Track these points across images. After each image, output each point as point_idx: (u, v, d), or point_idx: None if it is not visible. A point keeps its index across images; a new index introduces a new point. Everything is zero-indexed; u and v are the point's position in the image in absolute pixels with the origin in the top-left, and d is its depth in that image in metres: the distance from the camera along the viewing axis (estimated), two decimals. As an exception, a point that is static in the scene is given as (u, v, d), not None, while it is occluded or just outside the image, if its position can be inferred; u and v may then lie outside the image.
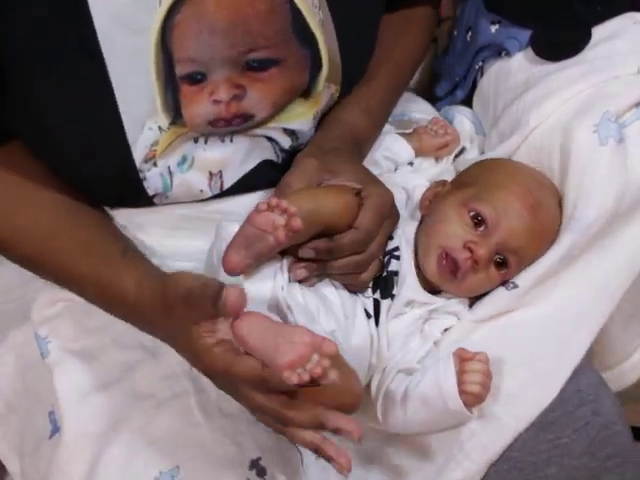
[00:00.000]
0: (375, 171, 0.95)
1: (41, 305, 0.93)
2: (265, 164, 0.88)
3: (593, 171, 0.86)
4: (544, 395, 0.82)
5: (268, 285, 0.78)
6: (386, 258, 0.86)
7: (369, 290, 0.85)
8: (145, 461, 0.78)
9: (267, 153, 0.88)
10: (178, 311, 0.72)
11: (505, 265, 0.86)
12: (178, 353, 0.77)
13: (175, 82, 0.80)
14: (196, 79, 0.80)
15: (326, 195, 0.81)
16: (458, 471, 0.81)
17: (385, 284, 0.86)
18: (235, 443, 0.79)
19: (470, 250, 0.84)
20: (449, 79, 1.12)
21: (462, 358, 0.80)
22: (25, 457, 0.90)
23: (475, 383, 0.78)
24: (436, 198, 0.90)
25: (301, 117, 0.88)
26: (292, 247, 0.79)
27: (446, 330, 0.87)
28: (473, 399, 0.78)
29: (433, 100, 1.15)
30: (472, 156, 1.04)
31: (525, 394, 0.82)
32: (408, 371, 0.82)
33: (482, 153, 1.05)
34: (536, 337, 0.85)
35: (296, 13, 0.81)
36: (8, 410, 0.95)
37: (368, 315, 0.84)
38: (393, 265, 0.86)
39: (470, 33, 1.08)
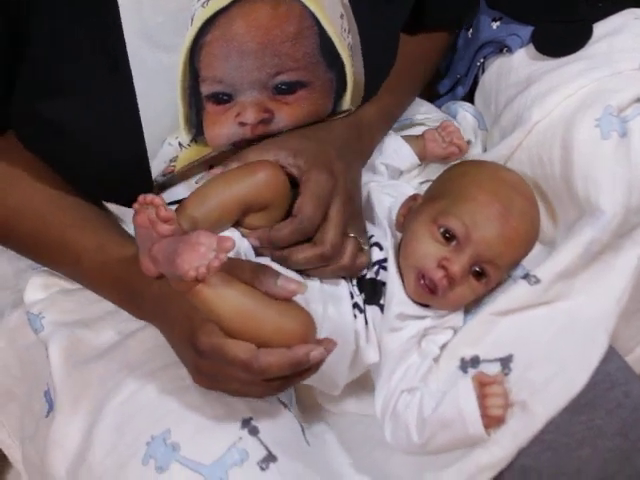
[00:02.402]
0: (376, 178, 0.96)
1: (33, 289, 0.92)
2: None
3: (599, 165, 0.87)
4: (572, 385, 0.81)
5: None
6: (375, 267, 0.86)
7: (356, 289, 0.85)
8: (136, 427, 0.78)
9: None
10: None
11: (484, 275, 0.85)
12: (167, 330, 0.78)
13: (200, 100, 0.81)
14: (222, 99, 0.81)
15: (238, 175, 0.82)
16: (485, 455, 0.80)
17: (372, 290, 0.85)
18: (226, 404, 0.78)
19: (444, 268, 0.83)
20: (451, 76, 1.13)
21: (482, 383, 0.79)
22: (25, 441, 0.89)
23: (498, 407, 0.78)
24: (410, 214, 0.89)
25: None
26: None
27: (444, 345, 0.87)
28: (495, 422, 0.79)
29: (433, 98, 1.15)
30: (476, 151, 1.04)
31: (554, 385, 0.81)
32: (411, 390, 0.82)
33: (485, 149, 1.05)
34: (560, 331, 0.84)
35: (324, 36, 0.81)
36: (7, 398, 0.94)
37: (360, 310, 0.84)
38: (382, 275, 0.86)
39: (471, 30, 1.09)
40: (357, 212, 0.87)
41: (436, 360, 0.85)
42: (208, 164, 0.86)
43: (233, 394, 0.77)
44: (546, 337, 0.84)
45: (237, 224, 0.83)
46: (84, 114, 0.78)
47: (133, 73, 0.77)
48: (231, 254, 0.74)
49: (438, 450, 0.82)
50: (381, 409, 0.83)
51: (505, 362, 0.83)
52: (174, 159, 0.83)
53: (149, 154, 0.80)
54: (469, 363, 0.84)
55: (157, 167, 0.82)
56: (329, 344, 0.72)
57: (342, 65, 0.84)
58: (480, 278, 0.85)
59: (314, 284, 0.82)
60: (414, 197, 0.91)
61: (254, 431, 0.77)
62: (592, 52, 0.97)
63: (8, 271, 0.99)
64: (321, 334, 0.75)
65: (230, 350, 0.71)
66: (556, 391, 0.82)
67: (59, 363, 0.85)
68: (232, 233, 0.82)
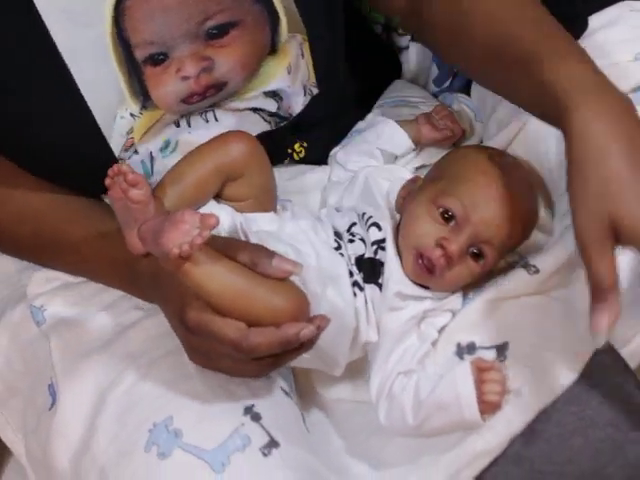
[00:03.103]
0: (372, 163, 0.97)
1: (36, 284, 0.93)
2: (259, 137, 0.88)
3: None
4: (566, 375, 0.82)
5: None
6: (374, 247, 0.86)
7: (355, 268, 0.85)
8: (139, 415, 0.78)
9: (258, 126, 0.89)
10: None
11: (482, 256, 0.86)
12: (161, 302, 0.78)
13: (138, 67, 0.81)
14: (158, 60, 0.81)
15: (216, 144, 0.82)
16: (479, 442, 0.81)
17: (371, 269, 0.86)
18: (228, 391, 0.78)
19: (442, 247, 0.84)
20: (447, 70, 1.13)
21: (480, 368, 0.79)
22: (28, 435, 0.90)
23: (495, 393, 0.78)
24: (409, 195, 0.90)
25: (275, 75, 0.88)
26: None
27: (442, 328, 0.87)
28: (491, 409, 0.79)
29: (429, 90, 1.16)
30: (472, 143, 1.04)
31: (548, 374, 0.82)
32: (407, 373, 0.82)
33: (481, 141, 1.05)
34: (556, 320, 0.84)
35: None
36: (9, 393, 0.94)
37: (360, 288, 0.84)
38: (380, 255, 0.86)
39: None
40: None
41: (434, 344, 0.86)
42: (165, 126, 0.86)
43: (227, 373, 0.77)
44: (542, 326, 0.84)
45: (220, 197, 0.83)
46: (28, 110, 0.78)
47: (62, 53, 0.77)
48: (227, 231, 0.74)
49: (432, 433, 0.82)
50: (377, 390, 0.83)
51: (501, 349, 0.83)
52: (130, 131, 0.84)
53: (104, 132, 0.81)
54: (465, 349, 0.84)
55: (116, 143, 0.83)
56: (322, 321, 0.73)
57: None
58: (477, 259, 0.86)
59: (311, 263, 0.82)
60: (414, 179, 0.93)
61: (256, 417, 0.77)
62: (588, 44, 0.95)
63: (11, 269, 1.00)
64: (318, 313, 0.75)
65: (219, 328, 0.71)
66: (550, 380, 0.82)
67: (61, 355, 0.86)
68: (224, 209, 0.83)
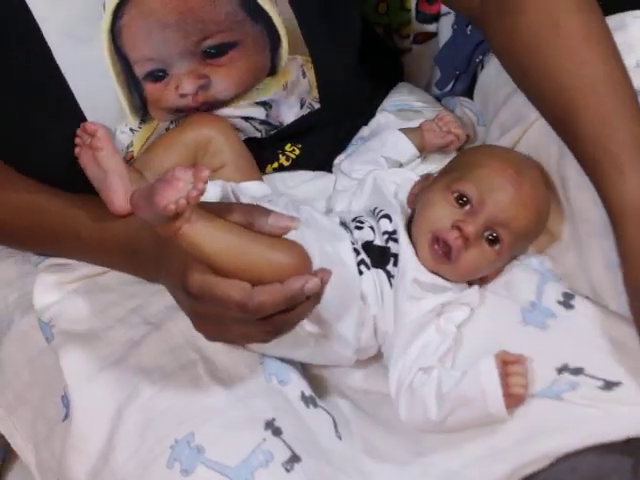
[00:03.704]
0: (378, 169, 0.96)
1: (42, 291, 0.93)
2: (247, 142, 0.89)
3: None
4: None
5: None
6: (385, 236, 0.86)
7: (361, 249, 0.84)
8: (159, 430, 0.78)
9: (248, 132, 0.89)
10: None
11: (497, 241, 0.86)
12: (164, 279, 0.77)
13: (138, 83, 0.81)
14: (158, 76, 0.81)
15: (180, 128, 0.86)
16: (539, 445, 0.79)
17: (380, 255, 0.85)
18: (248, 405, 0.79)
19: (459, 229, 0.84)
20: (449, 73, 1.13)
21: (505, 361, 0.79)
22: (39, 445, 0.90)
23: (519, 386, 0.78)
24: (422, 192, 0.90)
25: (270, 90, 0.88)
26: None
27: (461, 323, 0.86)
28: (516, 401, 0.79)
29: (431, 94, 1.15)
30: (476, 146, 1.05)
31: None
32: (428, 370, 0.82)
33: (484, 144, 1.06)
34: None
35: None
36: (18, 402, 0.94)
37: (367, 266, 0.84)
38: (391, 245, 0.86)
39: (470, 27, 1.08)
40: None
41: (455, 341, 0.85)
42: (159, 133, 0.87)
43: (238, 341, 0.76)
44: None
45: None
46: (28, 125, 0.79)
47: (62, 70, 0.77)
48: (218, 198, 0.74)
49: (454, 428, 0.81)
50: (396, 384, 0.82)
51: None
52: (130, 145, 0.84)
53: None
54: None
55: None
56: (324, 274, 0.71)
57: (268, 17, 0.83)
58: (493, 244, 0.86)
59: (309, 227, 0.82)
60: (426, 177, 0.93)
61: (277, 432, 0.78)
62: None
63: (12, 274, 1.00)
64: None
65: (223, 290, 0.69)
66: None
67: (72, 372, 0.86)
68: (212, 182, 0.80)
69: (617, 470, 0.78)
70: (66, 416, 0.86)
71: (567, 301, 0.86)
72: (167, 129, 0.86)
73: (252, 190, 0.86)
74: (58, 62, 0.77)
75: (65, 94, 0.79)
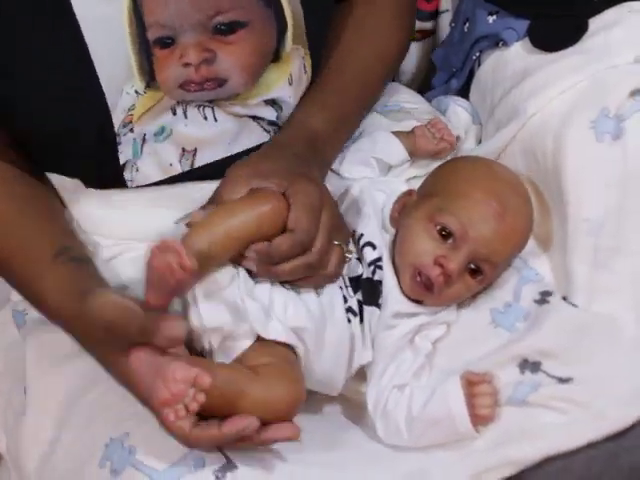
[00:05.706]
0: (367, 174, 0.95)
1: None
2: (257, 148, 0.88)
3: (592, 168, 0.87)
4: None
5: (226, 292, 0.78)
6: (371, 268, 0.86)
7: (350, 290, 0.84)
8: (98, 428, 0.78)
9: (256, 134, 0.89)
10: (99, 336, 0.73)
11: (480, 272, 0.85)
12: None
13: (148, 47, 0.82)
14: (166, 43, 0.82)
15: (243, 207, 0.79)
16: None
17: (371, 291, 0.85)
18: None
19: (441, 265, 0.83)
20: (446, 70, 1.12)
21: (470, 382, 0.79)
22: (8, 433, 0.90)
23: (485, 407, 0.79)
24: (404, 209, 0.89)
25: (276, 83, 0.89)
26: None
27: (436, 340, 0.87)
28: (483, 421, 0.79)
29: (427, 90, 1.15)
30: (468, 146, 1.03)
31: None
32: (402, 387, 0.82)
33: (479, 142, 1.05)
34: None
35: None
36: None
37: (354, 313, 0.84)
38: (378, 275, 0.86)
39: (467, 24, 1.07)
40: (342, 219, 0.86)
41: (428, 356, 0.85)
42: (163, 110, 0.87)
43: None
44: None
45: None
46: (38, 65, 0.80)
47: (80, 23, 0.79)
48: None
49: (429, 444, 0.81)
50: (373, 406, 0.83)
51: None
52: (132, 107, 0.85)
53: (109, 103, 0.83)
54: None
55: (118, 118, 0.84)
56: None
57: (279, 4, 0.85)
58: (475, 275, 0.86)
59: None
60: (409, 192, 0.92)
61: None
62: (587, 46, 0.95)
63: None
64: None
65: None
66: None
67: (34, 359, 0.86)
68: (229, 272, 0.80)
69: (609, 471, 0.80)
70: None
71: (544, 298, 0.87)
72: (173, 110, 0.86)
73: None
74: (77, 15, 0.79)
75: (80, 47, 0.80)
